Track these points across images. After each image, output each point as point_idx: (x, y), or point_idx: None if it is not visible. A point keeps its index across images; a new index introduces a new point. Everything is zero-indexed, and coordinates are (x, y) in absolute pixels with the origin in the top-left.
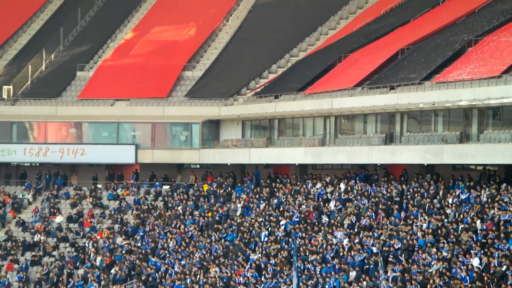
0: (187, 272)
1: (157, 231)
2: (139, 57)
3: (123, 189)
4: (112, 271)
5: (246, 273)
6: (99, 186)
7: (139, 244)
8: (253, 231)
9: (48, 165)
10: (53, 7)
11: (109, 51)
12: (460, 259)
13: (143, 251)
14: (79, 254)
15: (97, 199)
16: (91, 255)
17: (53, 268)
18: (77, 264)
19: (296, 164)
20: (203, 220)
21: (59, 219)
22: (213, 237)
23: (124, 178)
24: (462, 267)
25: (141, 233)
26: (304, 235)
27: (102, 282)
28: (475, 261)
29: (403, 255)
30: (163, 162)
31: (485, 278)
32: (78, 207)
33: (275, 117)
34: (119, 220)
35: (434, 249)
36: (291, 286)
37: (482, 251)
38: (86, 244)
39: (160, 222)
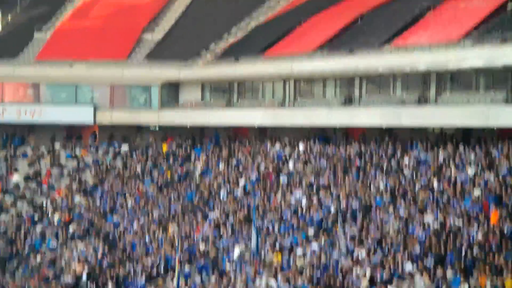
0: (146, 230)
1: (116, 190)
2: (98, 19)
3: (82, 149)
4: (70, 229)
5: (205, 231)
6: (57, 146)
7: (97, 203)
8: (212, 191)
9: (5, 125)
10: None
11: (67, 13)
12: (417, 217)
13: (102, 210)
14: (37, 212)
15: (55, 158)
16: (49, 213)
17: (10, 225)
18: (35, 221)
19: (255, 126)
20: (162, 180)
21: (16, 177)
22: (172, 196)
23: (82, 139)
24: (419, 225)
25: (100, 192)
26: (263, 194)
27: (60, 240)
28: (431, 219)
29: (360, 213)
30: (122, 124)
31: (442, 235)
32: (36, 167)
33: (234, 80)
34: (77, 179)
35: (391, 208)
36: (250, 243)
37: (438, 210)
38: (44, 203)
39: (119, 182)
